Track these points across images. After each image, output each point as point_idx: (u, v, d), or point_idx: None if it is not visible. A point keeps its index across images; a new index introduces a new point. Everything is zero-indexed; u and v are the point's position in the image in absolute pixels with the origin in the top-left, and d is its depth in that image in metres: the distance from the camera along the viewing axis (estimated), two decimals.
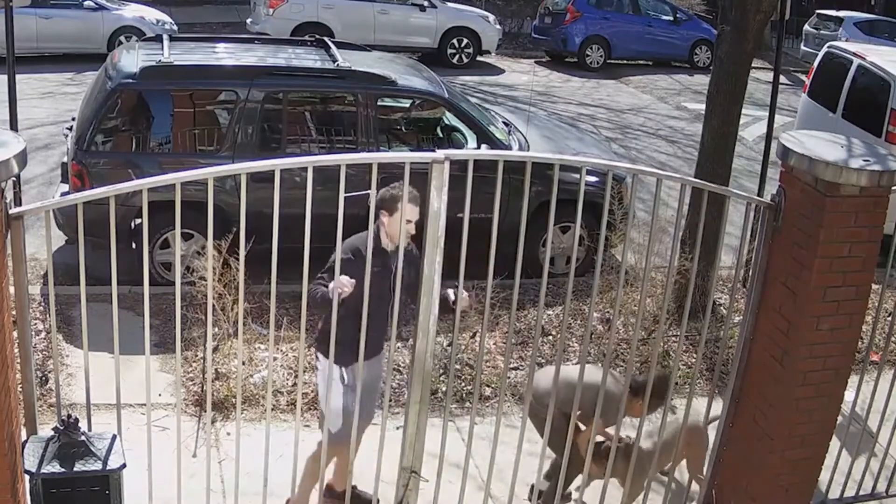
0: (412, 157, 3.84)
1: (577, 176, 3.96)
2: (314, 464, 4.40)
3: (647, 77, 18.63)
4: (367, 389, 4.28)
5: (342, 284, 3.93)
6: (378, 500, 4.21)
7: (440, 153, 3.67)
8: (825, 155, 3.75)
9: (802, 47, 21.16)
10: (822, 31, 20.47)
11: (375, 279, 3.88)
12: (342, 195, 3.64)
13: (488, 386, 6.05)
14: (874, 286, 4.42)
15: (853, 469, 4.70)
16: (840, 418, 4.32)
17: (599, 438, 4.44)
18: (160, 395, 5.59)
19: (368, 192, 3.77)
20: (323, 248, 3.95)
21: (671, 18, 19.97)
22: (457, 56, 18.07)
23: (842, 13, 20.80)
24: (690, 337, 6.51)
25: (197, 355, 5.97)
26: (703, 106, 7.32)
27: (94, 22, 15.78)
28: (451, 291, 4.20)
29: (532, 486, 4.60)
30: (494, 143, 7.65)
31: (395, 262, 4.04)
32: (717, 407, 4.47)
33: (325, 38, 8.80)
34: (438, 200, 3.69)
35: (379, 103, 7.74)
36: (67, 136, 7.66)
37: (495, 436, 4.07)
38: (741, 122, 7.20)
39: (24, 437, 3.53)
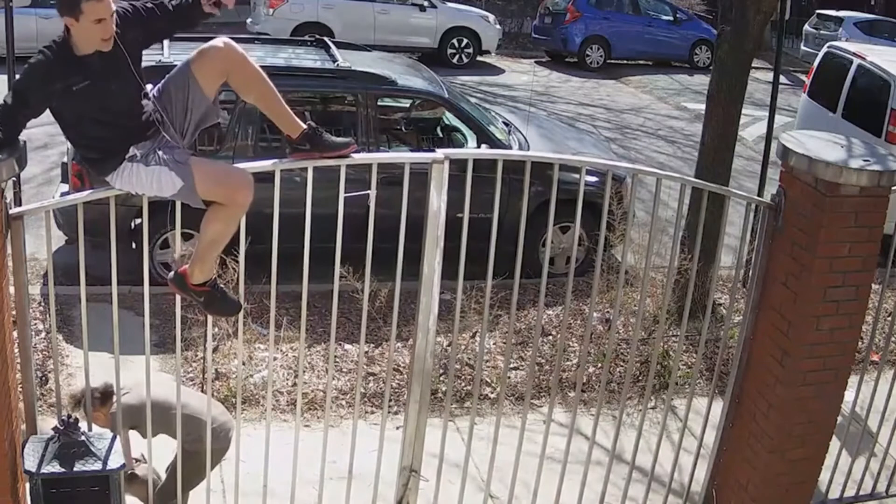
0: (412, 158, 3.84)
1: (577, 176, 3.97)
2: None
3: (646, 77, 18.62)
4: None
5: None
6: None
7: (440, 153, 3.67)
8: (825, 155, 3.75)
9: (802, 47, 21.16)
10: (822, 31, 20.47)
11: (85, 94, 3.24)
12: (342, 195, 3.64)
13: (488, 385, 6.05)
14: (874, 286, 4.42)
15: (853, 469, 4.69)
16: (840, 418, 4.32)
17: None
18: None
19: (368, 192, 3.77)
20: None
21: (671, 18, 19.97)
22: (457, 56, 18.07)
23: (842, 13, 20.79)
24: (690, 337, 6.51)
25: (197, 355, 5.97)
26: (703, 106, 7.31)
27: None
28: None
29: None
30: (494, 143, 7.65)
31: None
32: (717, 407, 4.47)
33: (325, 38, 8.79)
34: (438, 200, 3.69)
35: (379, 103, 7.74)
36: None
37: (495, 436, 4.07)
38: (741, 122, 7.20)
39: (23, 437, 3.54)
